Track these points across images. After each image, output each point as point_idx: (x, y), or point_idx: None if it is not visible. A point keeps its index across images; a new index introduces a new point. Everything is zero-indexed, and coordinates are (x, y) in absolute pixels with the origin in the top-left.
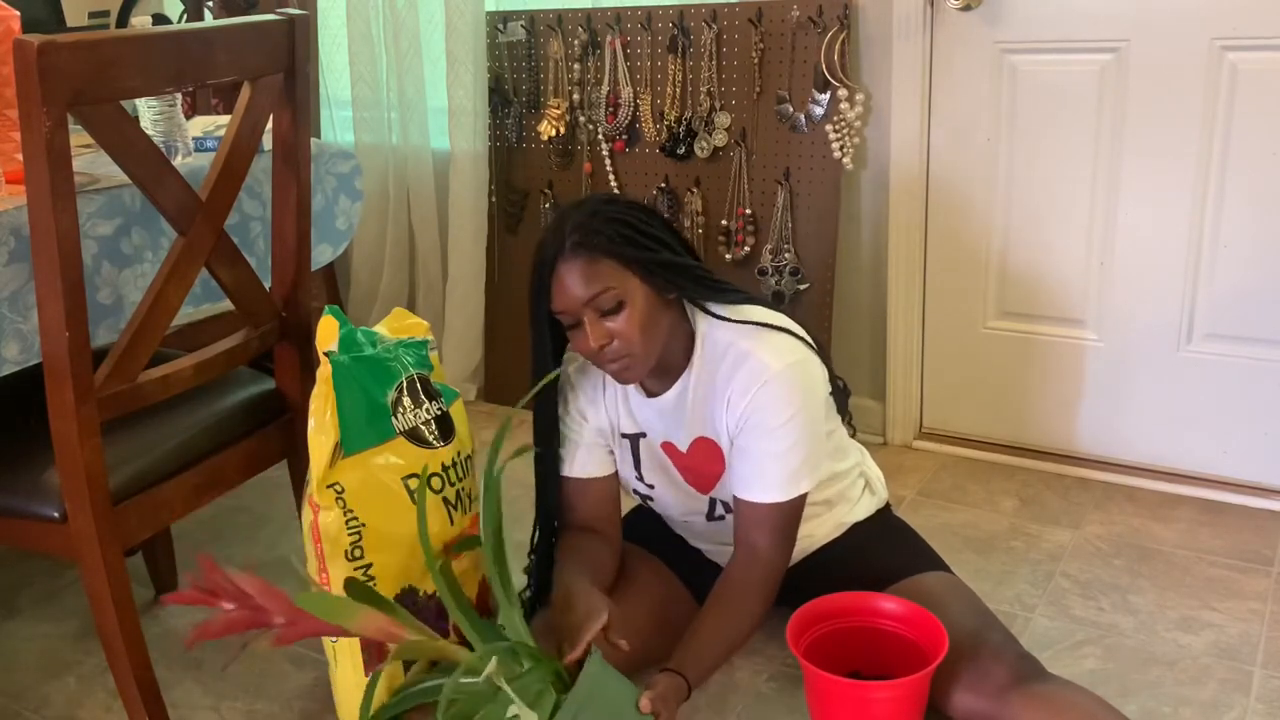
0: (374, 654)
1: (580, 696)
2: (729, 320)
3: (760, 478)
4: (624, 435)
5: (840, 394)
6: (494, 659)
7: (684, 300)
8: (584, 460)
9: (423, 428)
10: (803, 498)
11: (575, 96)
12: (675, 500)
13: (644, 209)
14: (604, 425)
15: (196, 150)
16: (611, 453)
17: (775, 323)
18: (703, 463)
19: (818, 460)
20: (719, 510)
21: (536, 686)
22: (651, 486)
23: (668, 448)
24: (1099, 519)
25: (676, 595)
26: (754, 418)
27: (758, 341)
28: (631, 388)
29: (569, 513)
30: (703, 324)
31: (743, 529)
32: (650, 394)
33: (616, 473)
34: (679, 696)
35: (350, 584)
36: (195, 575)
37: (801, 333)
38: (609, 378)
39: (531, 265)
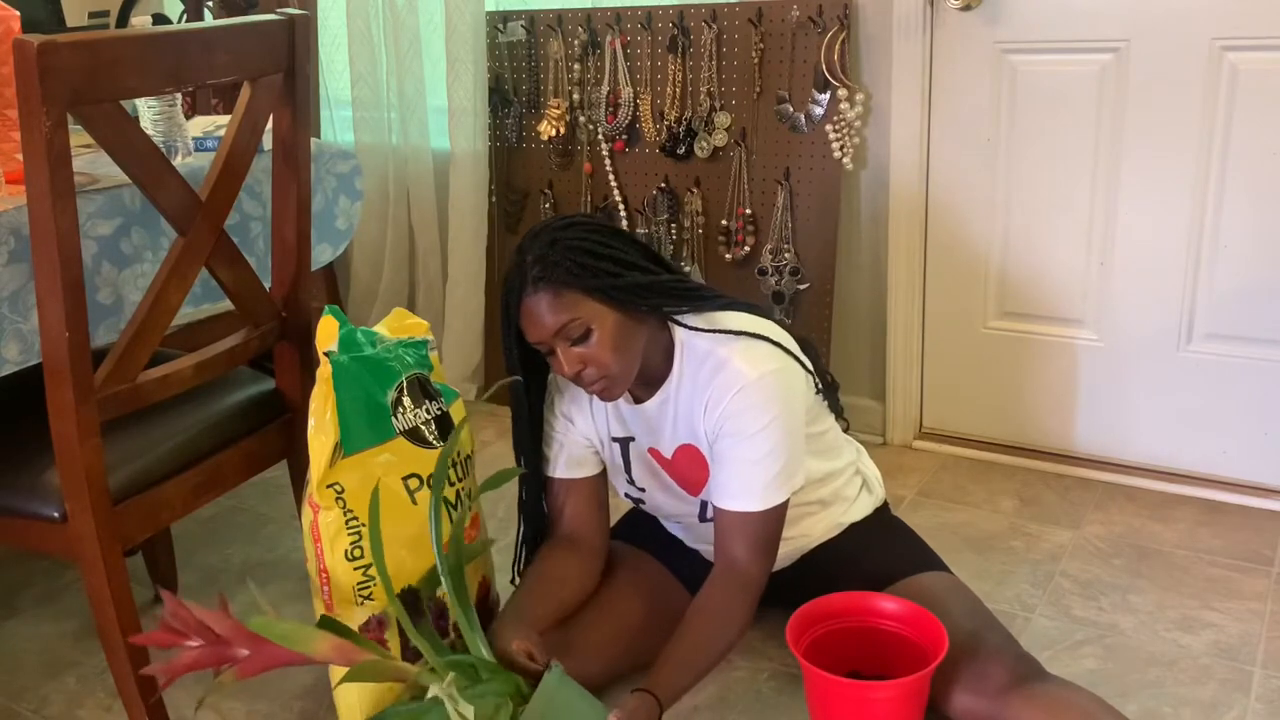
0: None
1: (537, 709)
2: (704, 330)
3: (737, 485)
4: (614, 439)
5: (830, 390)
6: (451, 674)
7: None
8: (569, 461)
9: (423, 428)
10: (782, 507)
11: (575, 96)
12: (666, 502)
13: (603, 229)
14: (592, 431)
15: (196, 150)
16: (597, 454)
17: (753, 330)
18: (688, 469)
19: (796, 469)
20: (710, 512)
21: (494, 700)
22: (643, 490)
23: (654, 453)
24: (1099, 519)
25: (673, 595)
26: (729, 424)
27: (735, 349)
28: None
29: (554, 518)
30: (680, 332)
31: (722, 540)
32: (636, 400)
33: (602, 473)
34: (650, 717)
35: (324, 621)
36: (163, 613)
37: (782, 339)
38: None
39: (500, 295)
